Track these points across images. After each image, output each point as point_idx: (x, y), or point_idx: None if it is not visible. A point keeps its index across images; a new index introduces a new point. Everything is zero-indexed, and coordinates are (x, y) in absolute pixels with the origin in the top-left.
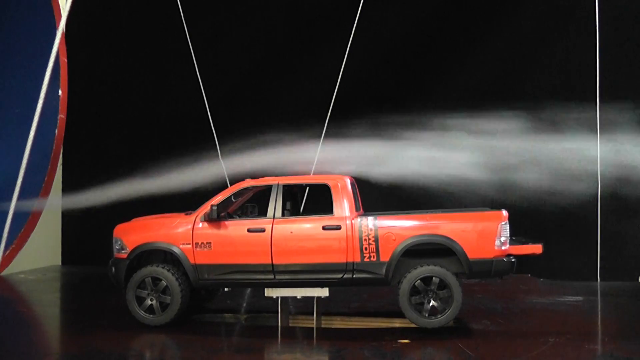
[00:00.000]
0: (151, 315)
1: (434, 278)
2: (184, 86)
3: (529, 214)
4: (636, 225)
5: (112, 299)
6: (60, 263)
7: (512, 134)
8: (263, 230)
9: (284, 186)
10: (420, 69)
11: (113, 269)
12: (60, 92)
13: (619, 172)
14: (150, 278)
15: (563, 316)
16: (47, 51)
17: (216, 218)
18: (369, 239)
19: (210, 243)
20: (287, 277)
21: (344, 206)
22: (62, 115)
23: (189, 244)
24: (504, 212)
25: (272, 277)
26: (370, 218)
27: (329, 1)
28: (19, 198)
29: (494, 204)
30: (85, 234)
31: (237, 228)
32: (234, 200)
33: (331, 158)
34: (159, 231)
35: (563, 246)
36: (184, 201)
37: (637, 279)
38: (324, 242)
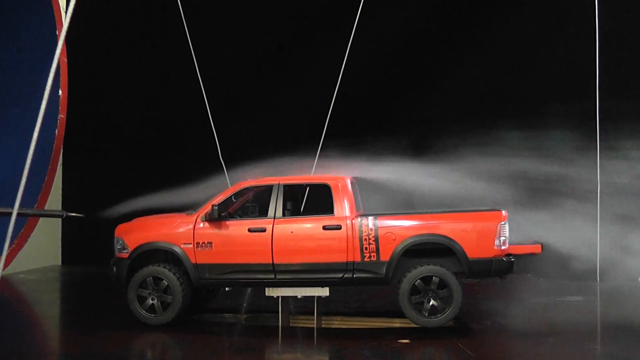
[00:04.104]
0: (152, 315)
1: (433, 277)
2: (184, 86)
3: (529, 214)
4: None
5: (112, 299)
6: (60, 263)
7: (512, 134)
8: (264, 230)
9: (285, 186)
10: (420, 70)
11: (114, 269)
12: (60, 92)
13: (619, 172)
14: (151, 277)
15: (563, 316)
16: (47, 51)
17: (217, 218)
18: (369, 239)
19: (211, 243)
20: (287, 276)
21: (344, 206)
22: (62, 115)
23: (190, 243)
24: (504, 212)
25: (272, 276)
26: (371, 218)
27: (329, 2)
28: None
29: (494, 204)
30: (85, 234)
31: (238, 228)
32: (234, 200)
33: (330, 158)
34: (160, 231)
35: (563, 246)
36: (184, 199)
37: (637, 279)
38: (324, 242)
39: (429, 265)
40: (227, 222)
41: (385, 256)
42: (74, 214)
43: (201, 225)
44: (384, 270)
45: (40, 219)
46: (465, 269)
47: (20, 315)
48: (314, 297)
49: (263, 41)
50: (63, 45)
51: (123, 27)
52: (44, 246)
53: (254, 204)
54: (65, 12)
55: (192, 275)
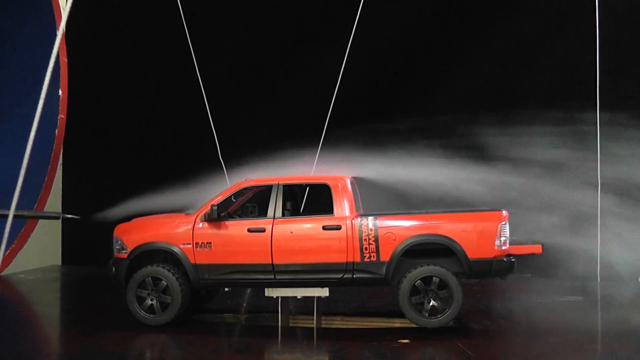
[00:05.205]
0: (151, 315)
1: (434, 278)
2: (183, 85)
3: (529, 214)
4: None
5: (112, 299)
6: (60, 263)
7: (512, 134)
8: (263, 230)
9: (284, 186)
10: (420, 69)
11: (113, 269)
12: (60, 92)
13: (619, 171)
14: (150, 278)
15: (563, 316)
16: (48, 51)
17: (216, 218)
18: (369, 239)
19: (210, 243)
20: (287, 277)
21: (344, 206)
22: (62, 115)
23: (189, 243)
24: (504, 212)
25: (272, 277)
26: (370, 218)
27: (330, 2)
28: (19, 198)
29: (494, 204)
30: (85, 234)
31: (237, 228)
32: (234, 200)
33: (330, 158)
34: (159, 231)
35: (563, 246)
36: (184, 199)
37: (638, 279)
38: (324, 242)
39: (429, 265)
40: (227, 222)
41: (385, 256)
42: (70, 216)
43: (200, 225)
44: (384, 271)
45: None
46: (466, 269)
47: (20, 315)
48: (313, 297)
49: (263, 41)
50: (63, 45)
51: (123, 27)
52: (44, 246)
53: (253, 204)
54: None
55: (192, 276)
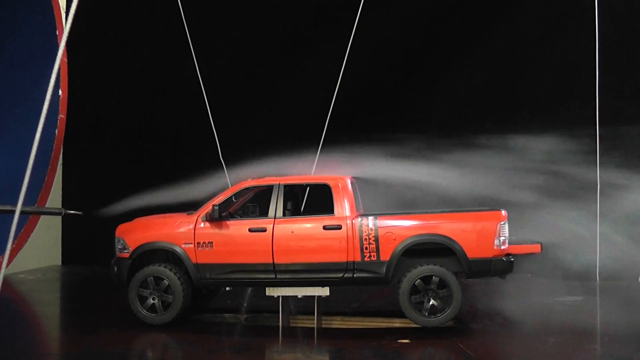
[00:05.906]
0: (153, 314)
1: (433, 277)
2: (184, 85)
3: (529, 214)
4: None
5: (112, 299)
6: (60, 263)
7: (512, 134)
8: (264, 230)
9: (285, 186)
10: (420, 69)
11: (115, 269)
12: (60, 92)
13: (619, 171)
14: (152, 277)
15: (563, 316)
16: (48, 51)
17: (218, 218)
18: (369, 239)
19: (212, 243)
20: (288, 276)
21: (344, 206)
22: (62, 115)
23: (191, 243)
24: (503, 212)
25: (273, 276)
26: (371, 218)
27: (329, 2)
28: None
29: (494, 204)
30: (86, 233)
31: (238, 228)
32: (235, 200)
33: (330, 158)
34: (161, 231)
35: (563, 246)
36: (184, 199)
37: (638, 279)
38: (324, 242)
39: (428, 265)
40: (228, 222)
41: (385, 256)
42: (72, 212)
43: (202, 225)
44: (384, 270)
45: (41, 218)
46: (465, 268)
47: (20, 315)
48: (314, 296)
49: (263, 41)
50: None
51: (123, 27)
52: (44, 246)
53: (254, 204)
54: (66, 13)
55: (193, 275)
